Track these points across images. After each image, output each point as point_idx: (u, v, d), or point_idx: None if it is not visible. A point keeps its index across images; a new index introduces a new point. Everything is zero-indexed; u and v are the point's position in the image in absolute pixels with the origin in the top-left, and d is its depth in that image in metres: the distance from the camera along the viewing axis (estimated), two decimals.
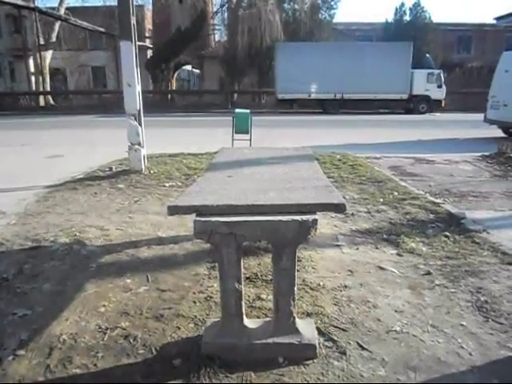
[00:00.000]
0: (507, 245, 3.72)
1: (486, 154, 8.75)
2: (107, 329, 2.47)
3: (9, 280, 3.11)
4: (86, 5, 30.11)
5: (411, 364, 2.13)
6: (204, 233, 2.02)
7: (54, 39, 27.81)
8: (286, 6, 29.39)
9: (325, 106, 23.59)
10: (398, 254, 3.59)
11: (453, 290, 2.93)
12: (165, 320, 2.56)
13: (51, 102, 28.10)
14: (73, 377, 2.09)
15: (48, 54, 27.78)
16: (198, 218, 2.02)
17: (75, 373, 2.11)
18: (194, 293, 2.91)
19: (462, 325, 2.49)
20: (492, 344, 2.29)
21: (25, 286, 3.03)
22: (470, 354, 2.20)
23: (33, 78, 27.79)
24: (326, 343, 2.30)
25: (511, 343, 2.29)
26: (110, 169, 7.23)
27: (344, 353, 2.22)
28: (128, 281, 3.11)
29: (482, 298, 2.80)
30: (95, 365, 2.16)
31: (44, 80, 27.29)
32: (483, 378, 2.03)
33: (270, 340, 2.19)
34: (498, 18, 36.16)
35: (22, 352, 2.26)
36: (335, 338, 2.34)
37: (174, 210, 2.07)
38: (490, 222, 4.45)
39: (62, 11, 26.60)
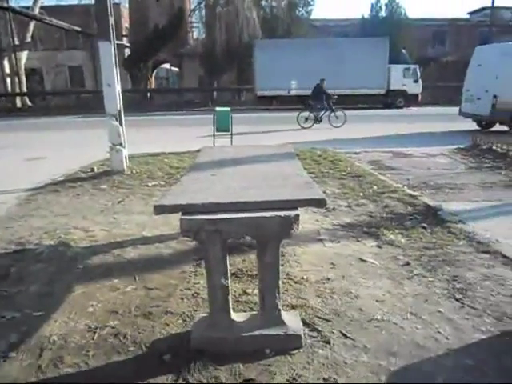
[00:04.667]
0: (482, 234, 3.87)
1: (462, 146, 9.00)
2: (97, 328, 2.52)
3: None
4: (62, 4, 29.72)
5: (392, 350, 2.23)
6: (190, 231, 2.08)
7: (29, 39, 27.28)
8: (263, 3, 29.52)
9: (305, 103, 23.73)
10: (378, 246, 3.70)
11: (430, 279, 3.05)
12: (153, 317, 2.62)
13: (28, 103, 27.61)
14: (65, 376, 2.13)
15: (23, 55, 27.24)
16: (183, 217, 2.07)
17: (67, 372, 2.15)
18: (182, 290, 2.97)
19: (440, 311, 2.61)
20: (467, 328, 2.42)
21: (12, 289, 3.04)
22: (447, 338, 2.32)
23: (8, 79, 27.23)
24: (311, 333, 2.40)
25: (485, 326, 2.42)
26: (92, 170, 7.20)
27: (328, 342, 2.31)
28: (115, 280, 3.15)
29: (458, 286, 2.93)
30: (86, 363, 2.21)
31: (20, 81, 26.79)
32: (459, 359, 2.15)
33: (256, 332, 2.27)
34: (471, 13, 36.81)
35: (12, 354, 2.29)
36: (319, 328, 2.43)
37: (160, 210, 2.13)
38: (466, 213, 4.61)
39: (37, 10, 26.12)
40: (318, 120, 14.14)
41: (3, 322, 2.61)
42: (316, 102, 14.43)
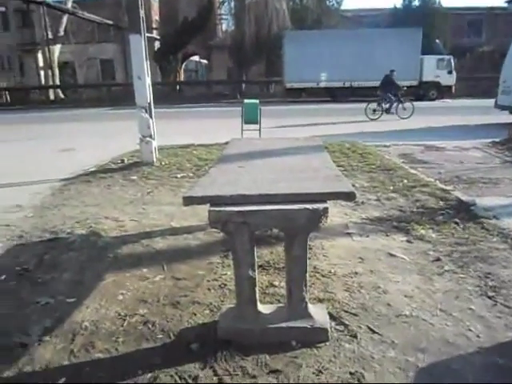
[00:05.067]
0: None
1: (497, 140, 8.71)
2: (126, 315, 2.58)
3: (30, 270, 3.23)
4: None
5: (420, 346, 2.19)
6: (218, 222, 2.10)
7: (62, 33, 27.99)
8: None
9: (334, 95, 23.46)
10: (408, 241, 3.64)
11: (462, 276, 2.98)
12: (181, 307, 2.66)
13: (61, 95, 28.36)
14: (96, 360, 2.19)
15: (56, 48, 27.98)
16: (212, 208, 2.09)
17: (98, 357, 2.21)
18: (209, 281, 3.00)
19: (471, 309, 2.54)
20: (500, 326, 2.35)
21: (45, 276, 3.14)
22: (478, 336, 2.27)
23: (42, 72, 28.02)
24: (338, 327, 2.38)
25: None
26: (122, 161, 7.34)
27: (355, 336, 2.29)
28: (144, 270, 3.21)
29: (491, 283, 2.85)
30: (116, 349, 2.26)
31: (53, 74, 27.54)
32: (490, 358, 2.09)
33: (283, 324, 2.27)
34: (509, 1, 35.42)
35: (46, 338, 2.37)
36: (346, 322, 2.42)
37: (189, 201, 2.15)
38: (500, 208, 4.47)
39: (70, 4, 26.71)
40: (386, 111, 14.05)
41: (38, 308, 2.71)
42: (385, 93, 14.32)
